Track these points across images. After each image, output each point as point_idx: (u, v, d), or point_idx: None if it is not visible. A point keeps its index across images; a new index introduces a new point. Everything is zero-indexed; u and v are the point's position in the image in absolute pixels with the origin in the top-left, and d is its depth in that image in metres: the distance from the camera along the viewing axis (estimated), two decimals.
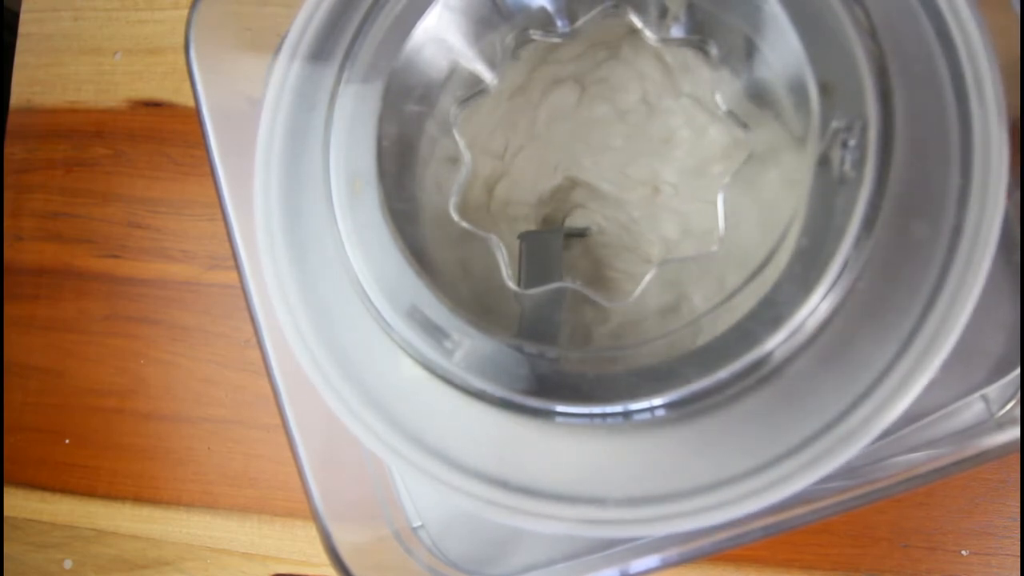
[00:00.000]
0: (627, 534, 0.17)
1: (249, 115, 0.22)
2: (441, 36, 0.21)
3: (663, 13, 0.21)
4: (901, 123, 0.16)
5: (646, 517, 0.16)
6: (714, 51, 0.21)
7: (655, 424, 0.17)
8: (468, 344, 0.18)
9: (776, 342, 0.16)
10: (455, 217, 0.21)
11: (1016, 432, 0.20)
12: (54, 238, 0.42)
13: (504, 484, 0.17)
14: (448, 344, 0.18)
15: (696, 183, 0.26)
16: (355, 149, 0.19)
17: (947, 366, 0.16)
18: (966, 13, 0.17)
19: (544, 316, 0.21)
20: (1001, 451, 0.19)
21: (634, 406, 0.16)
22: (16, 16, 0.44)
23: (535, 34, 0.22)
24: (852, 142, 0.16)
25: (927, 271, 0.16)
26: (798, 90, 0.18)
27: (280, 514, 0.36)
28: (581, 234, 0.28)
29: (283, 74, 0.21)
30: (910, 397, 0.16)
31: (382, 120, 0.20)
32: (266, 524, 0.36)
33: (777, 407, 0.17)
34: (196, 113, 0.24)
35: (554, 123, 0.27)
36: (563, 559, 0.22)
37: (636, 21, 0.21)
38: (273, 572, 0.36)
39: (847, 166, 0.16)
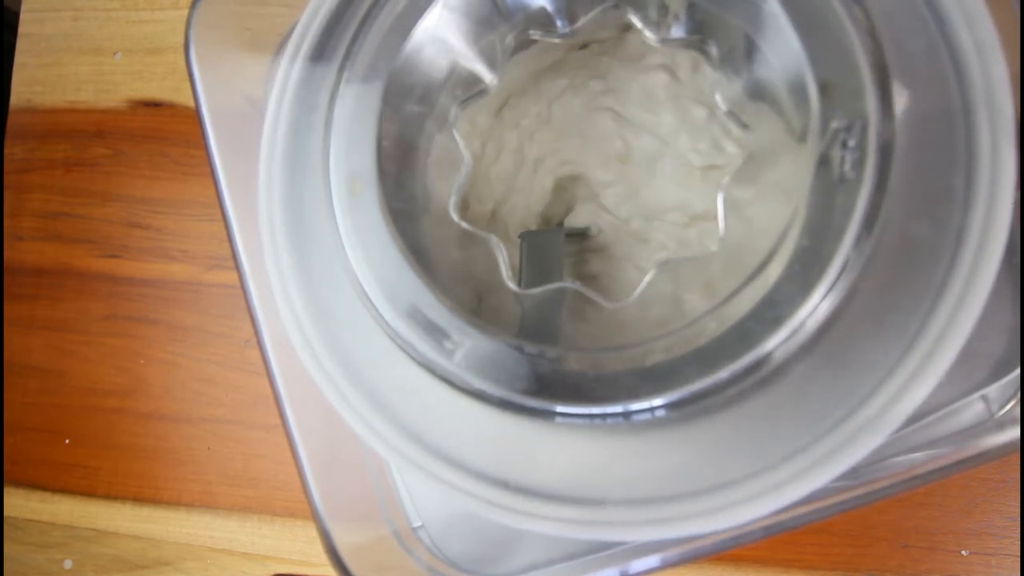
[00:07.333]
0: (627, 537, 0.16)
1: (249, 115, 0.22)
2: (441, 36, 0.21)
3: (663, 13, 0.21)
4: (902, 122, 0.16)
5: (646, 519, 0.16)
6: (714, 51, 0.21)
7: (655, 425, 0.17)
8: (468, 344, 0.18)
9: (776, 342, 0.16)
10: (455, 217, 0.21)
11: (1016, 432, 0.19)
12: (54, 238, 0.42)
13: (504, 484, 0.17)
14: (448, 344, 0.18)
15: (696, 183, 0.26)
16: (355, 149, 0.19)
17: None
18: (972, 9, 0.17)
19: (544, 316, 0.21)
20: (1001, 451, 0.19)
21: (634, 406, 0.16)
22: (16, 16, 0.44)
23: (535, 34, 0.22)
24: (852, 142, 0.16)
25: (931, 273, 0.16)
26: (798, 90, 0.18)
27: (280, 514, 0.36)
28: (581, 234, 0.28)
29: (286, 75, 0.21)
30: (916, 401, 0.16)
31: (382, 120, 0.20)
32: (266, 524, 0.36)
33: (778, 409, 0.17)
34: (196, 113, 0.24)
35: (554, 123, 0.27)
36: (563, 559, 0.22)
37: (636, 21, 0.21)
38: (273, 572, 0.36)
39: (847, 166, 0.16)
